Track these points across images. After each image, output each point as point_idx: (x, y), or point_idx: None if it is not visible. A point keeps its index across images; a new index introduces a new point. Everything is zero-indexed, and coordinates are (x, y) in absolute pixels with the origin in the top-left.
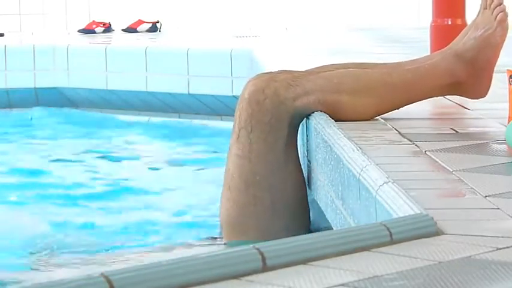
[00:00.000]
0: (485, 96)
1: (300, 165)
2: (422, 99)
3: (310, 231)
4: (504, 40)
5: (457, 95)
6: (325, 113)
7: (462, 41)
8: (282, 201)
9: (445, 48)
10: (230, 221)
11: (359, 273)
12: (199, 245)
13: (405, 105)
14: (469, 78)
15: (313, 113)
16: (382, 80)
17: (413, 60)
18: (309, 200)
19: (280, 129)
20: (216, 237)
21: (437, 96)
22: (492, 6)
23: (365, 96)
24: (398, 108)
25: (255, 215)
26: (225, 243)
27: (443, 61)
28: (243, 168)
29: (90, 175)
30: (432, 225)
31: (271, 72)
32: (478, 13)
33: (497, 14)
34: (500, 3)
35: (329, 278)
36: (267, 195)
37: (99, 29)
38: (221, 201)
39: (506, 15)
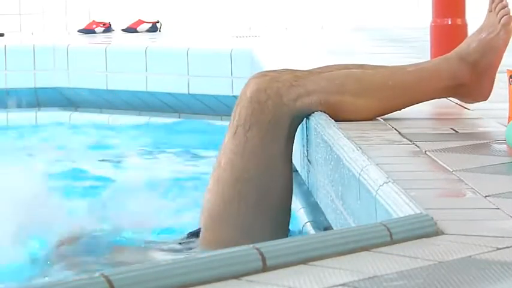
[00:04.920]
0: (487, 99)
1: (292, 168)
2: (424, 101)
3: (287, 236)
4: (507, 44)
5: (459, 97)
6: (326, 113)
7: (466, 44)
8: (266, 201)
9: (449, 53)
10: (212, 214)
11: (359, 273)
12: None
13: (407, 106)
14: (471, 80)
15: (313, 113)
16: (384, 81)
17: (416, 63)
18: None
19: (279, 130)
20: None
21: (439, 98)
22: (497, 9)
23: (366, 97)
24: (400, 110)
25: (237, 211)
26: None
27: (445, 63)
28: (235, 163)
29: (90, 175)
30: (432, 225)
31: (273, 71)
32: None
33: (502, 17)
34: (505, 7)
35: (329, 278)
36: (253, 193)
37: (99, 29)
38: (206, 194)
39: (510, 18)
